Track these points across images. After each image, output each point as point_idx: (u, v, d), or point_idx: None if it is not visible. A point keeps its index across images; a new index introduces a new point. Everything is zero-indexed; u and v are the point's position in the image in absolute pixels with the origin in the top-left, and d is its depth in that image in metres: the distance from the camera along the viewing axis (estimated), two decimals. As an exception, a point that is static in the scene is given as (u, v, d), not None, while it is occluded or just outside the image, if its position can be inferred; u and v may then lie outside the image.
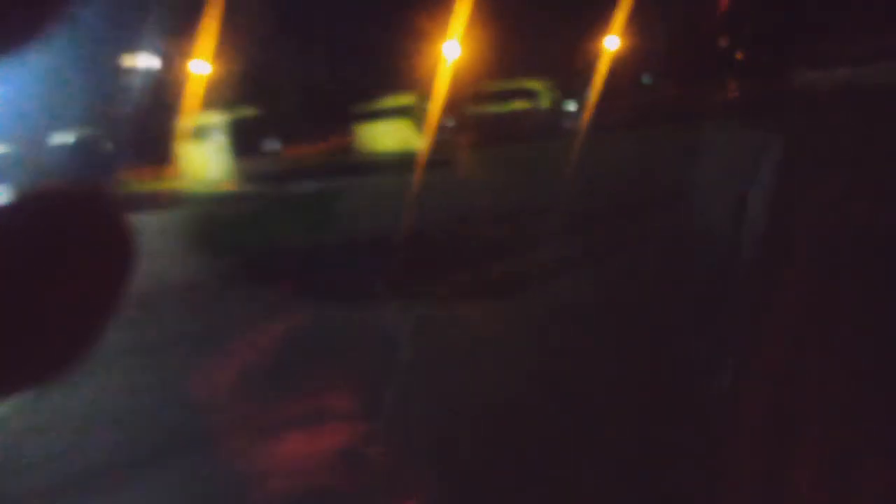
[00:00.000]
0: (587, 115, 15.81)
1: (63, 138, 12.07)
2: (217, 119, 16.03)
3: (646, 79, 23.59)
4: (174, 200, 11.56)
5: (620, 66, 18.95)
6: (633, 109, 18.77)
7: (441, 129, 15.56)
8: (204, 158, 16.38)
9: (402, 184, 12.30)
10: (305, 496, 2.54)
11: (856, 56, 18.41)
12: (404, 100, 18.24)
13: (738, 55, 22.64)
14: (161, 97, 15.73)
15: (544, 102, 18.53)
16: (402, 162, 15.88)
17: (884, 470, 2.23)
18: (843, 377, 2.76)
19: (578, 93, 18.50)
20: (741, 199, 6.27)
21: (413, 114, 17.87)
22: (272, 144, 17.02)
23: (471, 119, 18.06)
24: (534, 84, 18.56)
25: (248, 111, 16.91)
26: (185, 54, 17.71)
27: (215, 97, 17.03)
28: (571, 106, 18.87)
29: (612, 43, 18.85)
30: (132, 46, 14.48)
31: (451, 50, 17.24)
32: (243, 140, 15.83)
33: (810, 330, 3.25)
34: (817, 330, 3.24)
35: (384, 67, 19.63)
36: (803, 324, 3.33)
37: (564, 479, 2.47)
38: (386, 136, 18.62)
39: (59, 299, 0.31)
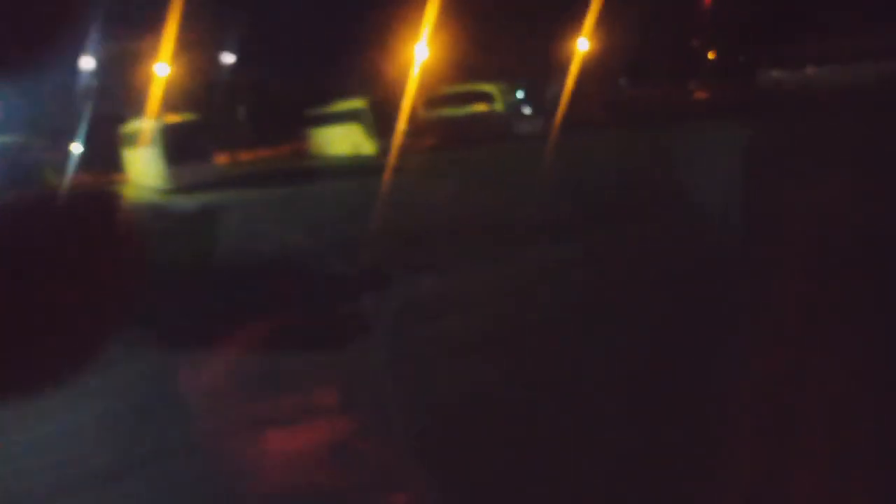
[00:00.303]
0: (557, 117, 15.65)
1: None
2: (161, 125, 15.48)
3: (622, 80, 23.58)
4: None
5: (594, 68, 18.87)
6: (606, 110, 18.67)
7: (395, 132, 15.37)
8: (142, 166, 15.87)
9: (346, 191, 12.04)
10: (301, 492, 2.54)
11: (820, 57, 18.51)
12: (357, 104, 17.96)
13: (710, 56, 22.74)
14: (103, 102, 15.27)
15: (499, 105, 18.29)
16: (353, 167, 15.64)
17: (884, 470, 2.23)
18: (843, 377, 2.76)
19: (549, 95, 18.37)
20: (726, 199, 6.27)
21: (366, 118, 17.62)
22: (214, 150, 16.57)
23: (425, 122, 17.86)
24: (489, 87, 18.28)
25: (195, 116, 16.43)
26: (131, 58, 17.35)
27: (163, 102, 16.56)
28: (527, 109, 18.69)
29: (583, 45, 18.77)
30: (73, 50, 14.17)
31: (408, 53, 17.09)
32: (188, 146, 15.13)
33: (810, 330, 3.25)
34: (817, 330, 3.24)
35: (339, 71, 19.42)
36: (803, 324, 3.33)
37: (564, 479, 2.48)
38: (338, 140, 18.37)
39: (63, 303, 0.31)
